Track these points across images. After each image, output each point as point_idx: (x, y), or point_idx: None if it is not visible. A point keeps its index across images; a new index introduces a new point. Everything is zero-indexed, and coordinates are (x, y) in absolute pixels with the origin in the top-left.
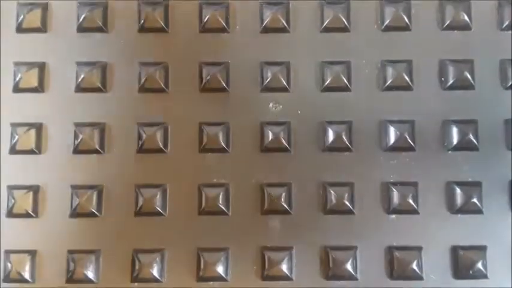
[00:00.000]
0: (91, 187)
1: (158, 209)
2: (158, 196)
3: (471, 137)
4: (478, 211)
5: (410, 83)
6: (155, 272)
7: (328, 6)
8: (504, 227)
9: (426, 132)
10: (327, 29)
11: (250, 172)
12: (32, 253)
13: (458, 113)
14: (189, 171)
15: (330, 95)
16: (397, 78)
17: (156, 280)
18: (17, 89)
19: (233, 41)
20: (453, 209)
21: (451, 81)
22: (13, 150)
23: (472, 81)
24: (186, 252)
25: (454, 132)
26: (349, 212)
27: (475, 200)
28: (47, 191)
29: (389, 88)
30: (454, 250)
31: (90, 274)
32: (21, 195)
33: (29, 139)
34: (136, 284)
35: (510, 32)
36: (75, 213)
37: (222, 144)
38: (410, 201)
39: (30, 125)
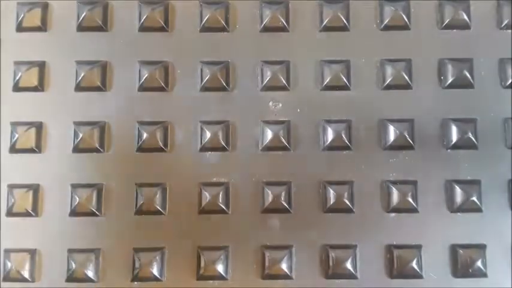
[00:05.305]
0: (91, 186)
1: (158, 207)
2: (158, 195)
3: (470, 135)
4: (478, 209)
5: (409, 81)
6: (155, 270)
7: (328, 6)
8: (503, 226)
9: (425, 130)
10: (326, 28)
11: (250, 171)
12: (32, 252)
13: (457, 111)
14: (189, 170)
15: (329, 94)
16: (396, 77)
17: (156, 279)
18: (17, 88)
19: (233, 40)
20: (452, 207)
21: (450, 80)
22: (13, 149)
23: (471, 80)
24: (186, 251)
25: (454, 131)
26: (349, 210)
27: (474, 198)
28: (47, 190)
29: (389, 87)
30: (454, 249)
31: (90, 273)
32: (21, 194)
33: (29, 138)
34: (136, 282)
35: (509, 31)
36: (75, 212)
37: (222, 143)
38: (410, 199)
39: (30, 124)
